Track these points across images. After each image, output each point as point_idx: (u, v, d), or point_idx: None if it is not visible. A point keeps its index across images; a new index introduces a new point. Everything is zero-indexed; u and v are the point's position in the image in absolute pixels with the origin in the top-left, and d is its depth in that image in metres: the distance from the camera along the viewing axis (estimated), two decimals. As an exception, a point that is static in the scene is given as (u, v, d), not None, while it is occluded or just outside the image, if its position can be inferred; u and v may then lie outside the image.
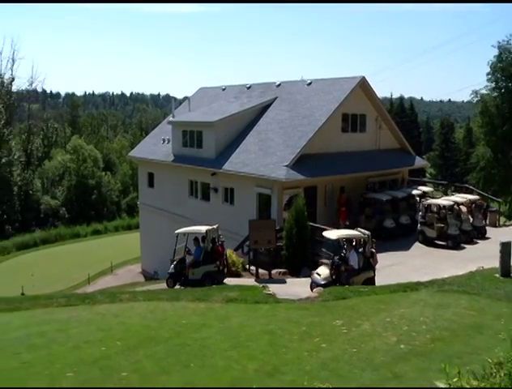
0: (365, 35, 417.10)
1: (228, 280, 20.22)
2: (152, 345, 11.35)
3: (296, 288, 18.40)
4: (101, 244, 46.44)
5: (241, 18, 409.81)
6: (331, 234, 19.47)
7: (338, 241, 19.28)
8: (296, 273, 22.27)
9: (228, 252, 22.10)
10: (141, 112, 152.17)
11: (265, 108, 32.96)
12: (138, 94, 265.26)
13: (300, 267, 22.50)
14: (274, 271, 22.14)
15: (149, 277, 34.71)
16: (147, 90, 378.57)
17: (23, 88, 74.31)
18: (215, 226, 21.63)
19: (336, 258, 18.87)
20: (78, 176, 67.67)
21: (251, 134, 31.22)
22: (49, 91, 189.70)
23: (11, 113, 69.97)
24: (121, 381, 9.67)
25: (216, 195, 31.25)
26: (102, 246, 45.03)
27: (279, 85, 34.88)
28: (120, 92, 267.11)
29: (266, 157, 28.23)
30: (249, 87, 37.34)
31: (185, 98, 45.44)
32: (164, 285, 21.02)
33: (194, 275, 20.51)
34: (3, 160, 61.23)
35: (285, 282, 20.40)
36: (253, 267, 22.36)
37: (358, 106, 30.89)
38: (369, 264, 18.96)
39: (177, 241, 21.59)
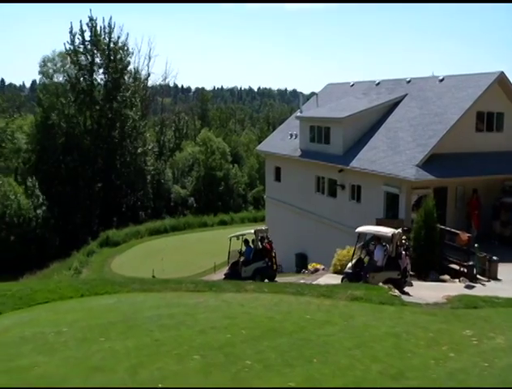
0: (500, 29, 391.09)
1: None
2: (276, 337, 11.50)
3: (423, 291, 17.73)
4: (227, 234, 47.62)
5: (365, 15, 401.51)
6: (360, 228, 20.25)
7: (358, 234, 20.03)
8: (423, 276, 21.48)
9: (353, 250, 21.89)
10: (268, 106, 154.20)
11: (394, 105, 32.09)
12: (266, 89, 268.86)
13: (428, 270, 21.68)
14: (400, 273, 21.50)
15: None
16: (275, 85, 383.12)
17: (158, 83, 78.63)
18: (263, 227, 24.14)
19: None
20: (207, 167, 70.06)
21: (380, 132, 30.58)
22: (180, 86, 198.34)
23: (147, 107, 74.30)
24: (244, 369, 9.91)
25: (343, 192, 30.99)
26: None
27: (410, 81, 33.74)
28: (248, 87, 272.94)
29: (395, 155, 27.52)
30: (378, 84, 36.53)
31: (313, 94, 45.43)
32: (288, 278, 21.36)
33: (246, 272, 22.43)
34: (139, 150, 65.07)
35: (411, 285, 19.71)
36: (378, 267, 21.87)
37: (495, 104, 28.99)
38: (394, 265, 18.71)
39: (231, 244, 23.94)
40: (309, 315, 12.97)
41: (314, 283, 19.21)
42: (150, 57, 72.23)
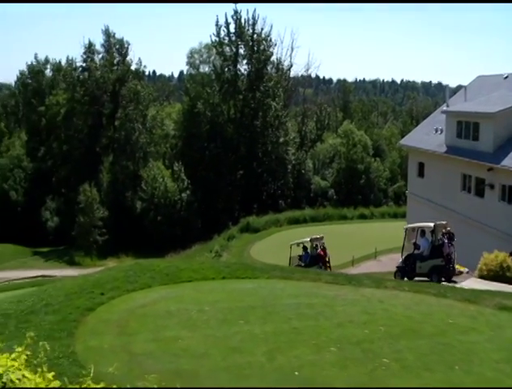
0: None
1: (501, 286, 18.74)
2: (415, 338, 11.16)
3: None
4: (367, 229, 46.58)
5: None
6: (407, 225, 23.92)
7: (405, 230, 23.38)
8: None
9: (502, 255, 20.86)
10: (411, 100, 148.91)
11: (555, 99, 29.50)
12: (409, 81, 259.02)
13: None
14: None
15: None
16: (418, 77, 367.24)
17: (300, 74, 79.00)
18: (318, 236, 27.20)
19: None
20: (348, 160, 69.30)
21: (538, 129, 28.31)
22: (321, 77, 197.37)
23: (289, 97, 75.11)
24: (381, 366, 9.73)
25: (492, 192, 29.16)
26: (367, 231, 45.23)
27: None
28: (390, 79, 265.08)
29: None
30: (536, 75, 33.75)
31: (460, 87, 43.14)
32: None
33: None
34: (280, 140, 66.12)
35: None
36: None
37: None
38: (438, 252, 20.70)
39: (292, 251, 27.84)
40: (452, 319, 12.37)
41: (457, 286, 18.29)
42: (292, 48, 72.58)
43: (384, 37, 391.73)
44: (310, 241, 26.80)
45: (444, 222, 21.92)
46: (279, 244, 42.52)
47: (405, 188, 47.06)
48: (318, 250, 26.34)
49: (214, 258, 37.82)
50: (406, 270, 21.54)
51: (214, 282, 15.36)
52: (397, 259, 37.69)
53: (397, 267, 22.51)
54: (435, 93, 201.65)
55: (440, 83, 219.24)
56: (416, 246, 21.89)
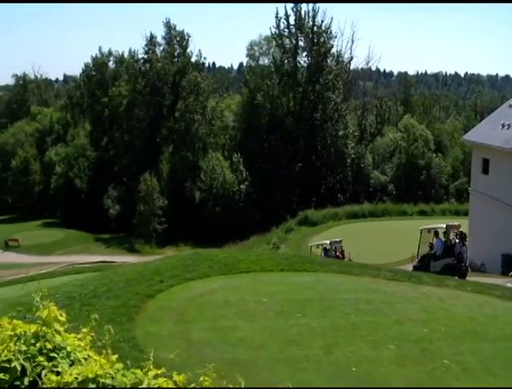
0: None
1: None
2: (478, 341, 10.82)
3: None
4: (427, 225, 45.63)
5: None
6: (422, 227, 24.91)
7: (421, 231, 24.58)
8: None
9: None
10: (476, 93, 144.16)
11: None
12: (473, 75, 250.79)
13: None
14: None
15: (475, 268, 33.04)
16: (484, 70, 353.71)
17: (360, 67, 77.73)
18: (337, 239, 29.49)
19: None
20: (408, 155, 67.75)
21: None
22: (382, 70, 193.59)
23: (349, 90, 74.11)
24: (441, 367, 9.50)
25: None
26: (428, 228, 44.36)
27: None
28: (453, 72, 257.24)
29: None
30: None
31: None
32: (493, 280, 20.09)
33: None
34: (340, 133, 65.42)
35: None
36: None
37: None
38: (450, 252, 22.01)
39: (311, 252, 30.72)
40: (517, 324, 11.91)
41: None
42: (353, 41, 71.33)
43: (447, 29, 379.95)
44: (330, 243, 29.21)
45: (456, 223, 23.75)
46: (336, 238, 42.17)
47: (468, 185, 45.69)
48: (337, 253, 28.25)
49: (272, 250, 37.85)
50: (421, 269, 21.92)
51: (272, 274, 15.38)
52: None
53: (413, 266, 23.48)
54: (502, 87, 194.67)
55: (507, 76, 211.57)
56: (431, 246, 23.17)
